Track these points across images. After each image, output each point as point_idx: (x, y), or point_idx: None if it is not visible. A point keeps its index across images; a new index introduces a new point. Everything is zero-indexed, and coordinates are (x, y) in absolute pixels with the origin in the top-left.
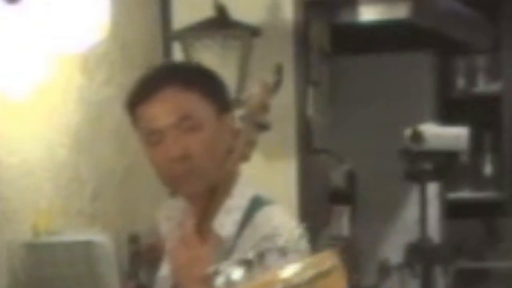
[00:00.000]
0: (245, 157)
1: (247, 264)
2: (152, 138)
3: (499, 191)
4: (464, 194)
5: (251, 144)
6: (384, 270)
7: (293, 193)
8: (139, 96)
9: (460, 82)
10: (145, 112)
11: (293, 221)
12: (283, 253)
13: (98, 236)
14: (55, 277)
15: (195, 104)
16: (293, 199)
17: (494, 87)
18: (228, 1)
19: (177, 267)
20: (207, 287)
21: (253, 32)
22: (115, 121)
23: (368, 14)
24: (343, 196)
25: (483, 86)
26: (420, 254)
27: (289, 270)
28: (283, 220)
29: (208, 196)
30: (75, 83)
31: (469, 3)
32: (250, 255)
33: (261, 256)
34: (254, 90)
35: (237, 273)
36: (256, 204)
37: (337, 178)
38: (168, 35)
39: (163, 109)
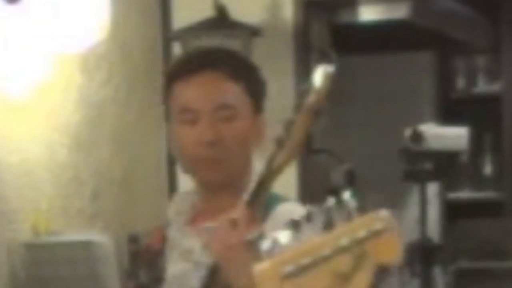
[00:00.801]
0: (299, 149)
1: (295, 226)
2: (186, 116)
3: (499, 191)
4: (464, 194)
5: (308, 134)
6: (384, 270)
7: (293, 193)
8: (182, 72)
9: (460, 82)
10: (185, 89)
11: None
12: (331, 213)
13: (98, 236)
14: (55, 277)
15: (237, 95)
16: (293, 199)
17: (494, 87)
18: (228, 1)
19: (224, 249)
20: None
21: (253, 32)
22: (115, 121)
23: (368, 14)
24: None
25: (483, 86)
26: (420, 254)
27: (338, 231)
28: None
29: (258, 181)
30: (75, 83)
31: (469, 3)
32: (297, 216)
33: (309, 217)
34: (317, 79)
35: (284, 236)
36: (273, 200)
37: (337, 178)
38: (168, 35)
39: (205, 92)
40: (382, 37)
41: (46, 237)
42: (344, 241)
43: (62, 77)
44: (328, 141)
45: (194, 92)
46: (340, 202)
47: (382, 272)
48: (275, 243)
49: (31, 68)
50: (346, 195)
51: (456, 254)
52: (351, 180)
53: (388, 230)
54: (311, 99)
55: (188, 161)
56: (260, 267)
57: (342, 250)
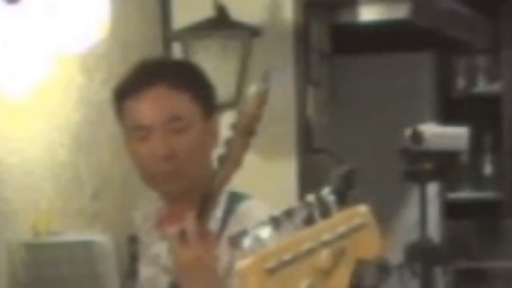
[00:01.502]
0: (238, 164)
1: (275, 222)
2: (138, 133)
3: (499, 191)
4: (464, 194)
5: (244, 151)
6: (384, 270)
7: (293, 193)
8: (129, 90)
9: (460, 82)
10: (134, 107)
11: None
12: (312, 209)
13: (98, 236)
14: (55, 277)
15: (185, 105)
16: (293, 199)
17: (494, 87)
18: (228, 1)
19: (181, 265)
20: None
21: (253, 32)
22: (115, 121)
23: (368, 14)
24: (343, 196)
25: (483, 86)
26: (420, 254)
27: (319, 227)
28: (265, 212)
29: (203, 197)
30: (75, 83)
31: (469, 3)
32: (277, 213)
33: (289, 213)
34: (246, 103)
35: (265, 232)
36: (234, 199)
37: (337, 178)
38: (168, 35)
39: (153, 107)
40: (382, 37)
41: (46, 237)
42: (325, 236)
43: (62, 77)
44: (328, 141)
45: (143, 108)
46: (320, 198)
47: (382, 272)
48: (256, 239)
49: (31, 68)
50: (326, 191)
51: (456, 254)
52: (351, 180)
53: (367, 225)
54: (242, 121)
55: (147, 176)
56: (244, 263)
57: (323, 245)
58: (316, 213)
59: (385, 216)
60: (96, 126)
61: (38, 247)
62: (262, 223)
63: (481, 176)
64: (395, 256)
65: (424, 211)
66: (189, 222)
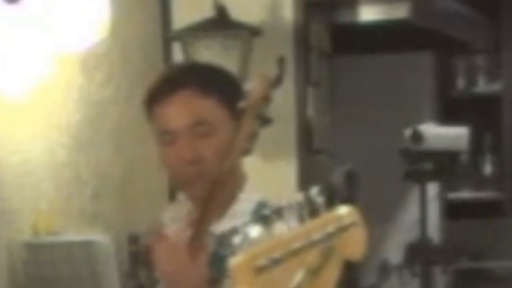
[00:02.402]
0: (246, 151)
1: (265, 220)
2: (165, 137)
3: (499, 191)
4: (464, 194)
5: (252, 137)
6: (384, 270)
7: (293, 193)
8: (157, 95)
9: (460, 82)
10: (161, 111)
11: None
12: (301, 208)
13: (98, 236)
14: (55, 277)
15: (210, 109)
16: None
17: (494, 87)
18: (228, 1)
19: (166, 273)
20: None
21: (253, 32)
22: (115, 121)
23: (368, 14)
24: (343, 196)
25: (483, 86)
26: (420, 254)
27: (308, 226)
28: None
29: (204, 201)
30: (75, 83)
31: (469, 3)
32: (267, 211)
33: (279, 212)
34: (255, 82)
35: (254, 231)
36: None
37: (337, 178)
38: (168, 35)
39: (178, 112)
40: (382, 37)
41: (46, 237)
42: (314, 236)
43: (62, 77)
44: (328, 141)
45: (169, 113)
46: (308, 198)
47: (382, 272)
48: (246, 237)
49: (31, 68)
50: (314, 191)
51: (456, 254)
52: (351, 180)
53: (355, 225)
54: (251, 101)
55: (175, 179)
56: (235, 260)
57: (312, 244)
58: (305, 213)
59: (385, 216)
60: (96, 126)
61: (38, 247)
62: (251, 222)
63: (481, 176)
64: (395, 256)
65: (424, 211)
66: (182, 232)
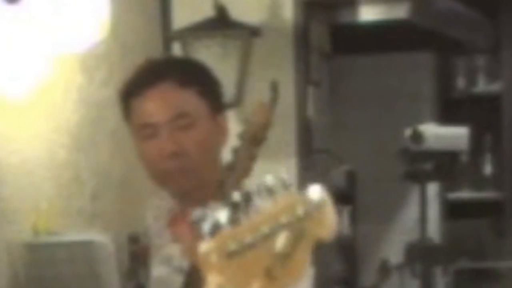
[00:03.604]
0: (246, 173)
1: (234, 206)
2: (145, 132)
3: (499, 191)
4: (464, 194)
5: (252, 159)
6: (384, 270)
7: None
8: (135, 88)
9: (460, 82)
10: (140, 105)
11: None
12: (271, 192)
13: (98, 236)
14: (55, 277)
15: (192, 102)
16: None
17: (494, 87)
18: (228, 1)
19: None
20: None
21: (253, 32)
22: (115, 121)
23: (368, 14)
24: (343, 196)
25: (483, 86)
26: (420, 254)
27: (277, 209)
28: None
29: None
30: (75, 83)
31: (469, 3)
32: (236, 197)
33: (247, 197)
34: (255, 110)
35: (224, 216)
36: None
37: (337, 178)
38: (168, 35)
39: (159, 105)
40: (382, 37)
41: (46, 237)
42: (283, 218)
43: (62, 77)
44: (328, 141)
45: (149, 106)
46: (278, 180)
47: (382, 272)
48: (216, 223)
49: (31, 68)
50: (283, 172)
51: (456, 254)
52: (351, 180)
53: (323, 205)
54: (250, 131)
55: (157, 175)
56: (205, 246)
57: (282, 227)
58: (274, 196)
59: (385, 216)
60: (96, 126)
61: (38, 247)
62: (221, 207)
63: (481, 176)
64: (395, 256)
65: (424, 211)
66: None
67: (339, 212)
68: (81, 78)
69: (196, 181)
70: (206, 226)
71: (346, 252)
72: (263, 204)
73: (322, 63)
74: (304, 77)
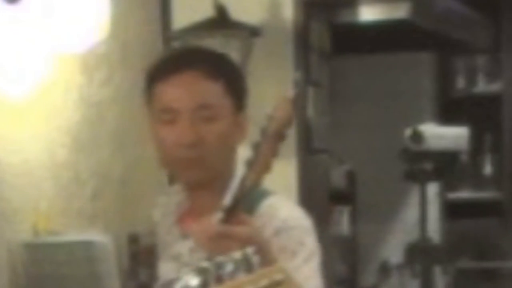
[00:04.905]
0: (268, 169)
1: (204, 272)
2: (166, 116)
3: (499, 191)
4: (464, 194)
5: (274, 155)
6: (384, 270)
7: (293, 193)
8: (161, 73)
9: (460, 82)
10: (164, 89)
11: (298, 210)
12: (239, 264)
13: (98, 236)
14: (55, 277)
15: (217, 95)
16: (293, 199)
17: (494, 87)
18: (228, 1)
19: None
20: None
21: (253, 32)
22: (115, 121)
23: (368, 14)
24: (343, 196)
25: (483, 86)
26: (420, 254)
27: (243, 280)
28: (289, 211)
29: (231, 203)
30: (75, 83)
31: (469, 3)
32: (206, 264)
33: (218, 265)
34: (278, 105)
35: (194, 281)
36: (253, 196)
37: (337, 178)
38: (168, 35)
39: (184, 92)
40: (382, 37)
41: (46, 237)
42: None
43: (62, 77)
44: (328, 141)
45: (174, 92)
46: (245, 255)
47: (382, 272)
48: (186, 286)
49: (31, 68)
50: (250, 250)
51: (456, 254)
52: (351, 180)
53: (286, 281)
54: (273, 125)
55: (170, 162)
56: None
57: None
58: (242, 268)
59: (385, 216)
60: (96, 126)
61: (38, 247)
62: (192, 272)
63: (481, 176)
64: (395, 256)
65: (424, 211)
66: (213, 226)
67: (339, 212)
68: (81, 78)
69: (210, 173)
70: (178, 287)
71: (346, 252)
72: (230, 274)
73: (322, 63)
74: (304, 77)
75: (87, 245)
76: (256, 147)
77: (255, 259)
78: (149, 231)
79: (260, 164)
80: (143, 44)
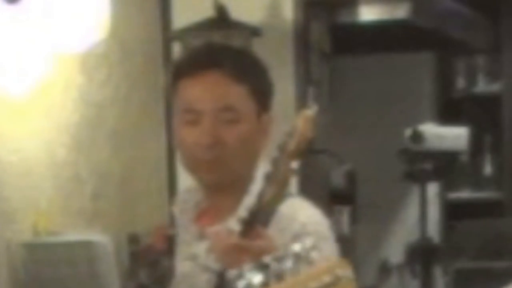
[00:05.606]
0: (286, 185)
1: (265, 268)
2: (188, 116)
3: (499, 191)
4: (464, 194)
5: (292, 172)
6: (384, 270)
7: (293, 193)
8: (188, 68)
9: (460, 82)
10: (188, 88)
11: (317, 213)
12: (299, 258)
13: (98, 236)
14: (55, 277)
15: (241, 98)
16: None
17: (494, 87)
18: (228, 1)
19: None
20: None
21: (253, 32)
22: (115, 121)
23: (368, 14)
24: (343, 196)
25: (483, 86)
26: (420, 254)
27: (305, 276)
28: (308, 213)
29: (250, 215)
30: (75, 83)
31: (469, 3)
32: (268, 259)
33: (279, 260)
34: (299, 120)
35: (257, 278)
36: None
37: (337, 178)
38: (168, 35)
39: (208, 92)
40: (382, 37)
41: (46, 237)
42: (311, 285)
43: (62, 77)
44: (328, 141)
45: (198, 92)
46: (305, 249)
47: (382, 272)
48: (249, 284)
49: (31, 68)
50: (309, 243)
51: (456, 254)
52: (351, 180)
53: (347, 277)
54: (292, 143)
55: (191, 163)
56: None
57: None
58: (302, 263)
59: (385, 216)
60: (95, 126)
61: (38, 247)
62: (253, 268)
63: (481, 176)
64: (395, 256)
65: (424, 211)
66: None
67: (339, 212)
68: (81, 78)
69: (230, 176)
70: (241, 285)
71: (346, 252)
72: (291, 270)
73: (322, 63)
74: (304, 77)
75: (87, 245)
76: (275, 162)
77: (314, 253)
78: (148, 231)
79: (279, 180)
80: (143, 44)
